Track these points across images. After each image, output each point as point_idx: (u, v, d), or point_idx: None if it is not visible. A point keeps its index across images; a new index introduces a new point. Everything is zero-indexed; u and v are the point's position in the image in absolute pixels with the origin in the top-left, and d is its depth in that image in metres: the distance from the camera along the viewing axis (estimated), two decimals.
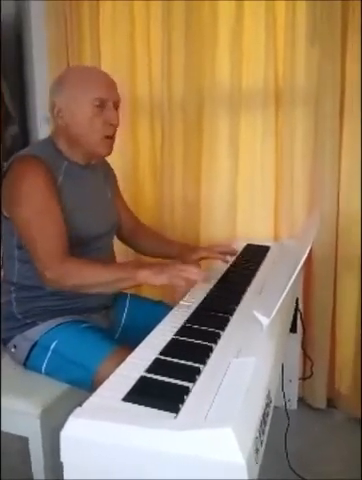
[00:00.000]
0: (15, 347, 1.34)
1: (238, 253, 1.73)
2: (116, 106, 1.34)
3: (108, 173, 1.57)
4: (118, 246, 1.62)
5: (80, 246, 1.33)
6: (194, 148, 2.05)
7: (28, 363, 1.32)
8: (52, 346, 1.27)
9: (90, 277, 1.25)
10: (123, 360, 0.95)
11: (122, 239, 1.65)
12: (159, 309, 1.41)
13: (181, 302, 1.26)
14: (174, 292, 2.05)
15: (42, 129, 2.24)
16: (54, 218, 1.26)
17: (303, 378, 2.01)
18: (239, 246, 1.83)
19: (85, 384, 1.17)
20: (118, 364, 0.93)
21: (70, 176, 1.34)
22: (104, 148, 1.34)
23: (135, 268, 1.23)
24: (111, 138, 1.34)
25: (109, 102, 1.31)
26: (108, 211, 1.48)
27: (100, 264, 1.28)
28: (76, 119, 1.30)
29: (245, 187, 2.02)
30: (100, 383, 0.86)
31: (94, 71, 1.42)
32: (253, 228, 2.02)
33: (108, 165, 1.59)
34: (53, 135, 1.38)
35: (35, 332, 1.31)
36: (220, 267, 1.55)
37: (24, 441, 1.26)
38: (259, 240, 1.90)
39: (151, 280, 1.19)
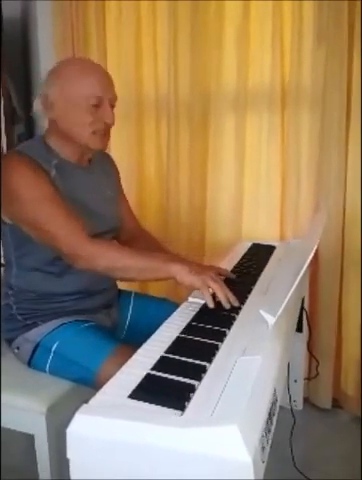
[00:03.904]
0: (18, 348, 1.34)
1: (244, 253, 1.72)
2: (112, 104, 1.30)
3: (110, 171, 1.51)
4: None
5: None
6: (200, 148, 2.05)
7: (32, 364, 1.31)
8: (54, 347, 1.26)
9: (121, 259, 1.21)
10: (125, 359, 0.94)
11: (119, 242, 1.54)
12: (164, 307, 1.40)
13: (187, 300, 1.25)
14: (179, 290, 2.05)
15: None
16: (60, 201, 1.22)
17: (309, 378, 2.01)
18: (245, 246, 1.83)
19: (89, 384, 1.17)
20: (120, 363, 0.92)
21: (62, 173, 1.29)
22: (95, 142, 1.29)
23: (169, 261, 1.20)
24: (103, 134, 1.30)
25: (105, 100, 1.27)
26: (106, 212, 1.41)
27: (132, 249, 1.26)
28: (68, 113, 1.27)
29: (251, 188, 2.02)
30: (103, 383, 0.85)
31: (92, 67, 1.33)
32: (259, 229, 2.02)
33: (111, 162, 1.54)
34: (44, 133, 1.35)
35: (36, 334, 1.30)
36: (226, 266, 1.54)
37: (29, 439, 1.26)
38: (265, 241, 1.90)
39: (183, 277, 1.16)
